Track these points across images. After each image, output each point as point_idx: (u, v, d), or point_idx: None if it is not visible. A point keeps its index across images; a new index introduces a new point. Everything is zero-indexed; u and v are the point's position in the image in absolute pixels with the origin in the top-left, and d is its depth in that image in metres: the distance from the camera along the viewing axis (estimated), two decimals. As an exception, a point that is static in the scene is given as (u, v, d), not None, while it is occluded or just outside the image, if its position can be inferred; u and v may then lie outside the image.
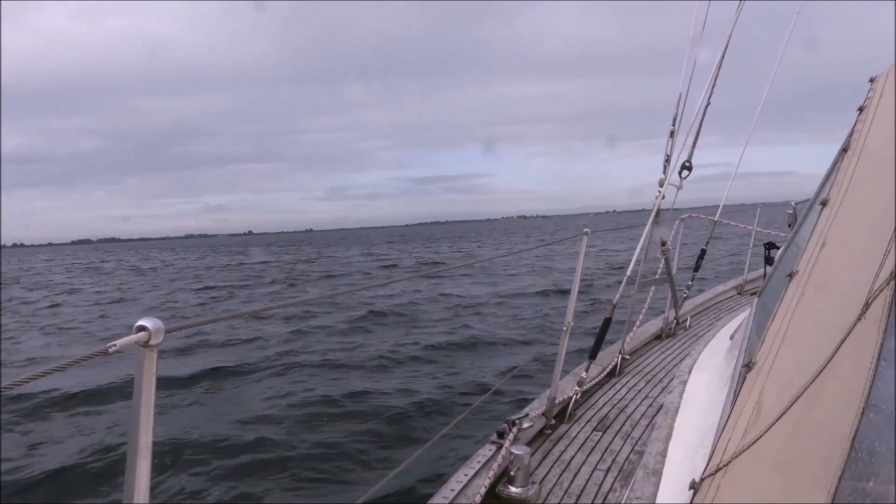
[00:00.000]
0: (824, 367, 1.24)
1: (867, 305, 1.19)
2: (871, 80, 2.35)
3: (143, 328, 1.25)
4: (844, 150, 2.16)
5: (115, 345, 1.21)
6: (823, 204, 1.99)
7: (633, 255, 4.61)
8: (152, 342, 1.26)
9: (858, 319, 1.20)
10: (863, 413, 1.08)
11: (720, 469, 1.44)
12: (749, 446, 1.39)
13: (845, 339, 1.21)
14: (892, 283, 1.16)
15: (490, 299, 17.70)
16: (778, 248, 5.77)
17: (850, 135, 2.19)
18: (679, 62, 4.89)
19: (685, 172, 5.17)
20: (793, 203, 4.32)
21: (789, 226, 4.12)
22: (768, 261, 6.14)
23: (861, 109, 2.25)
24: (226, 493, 5.68)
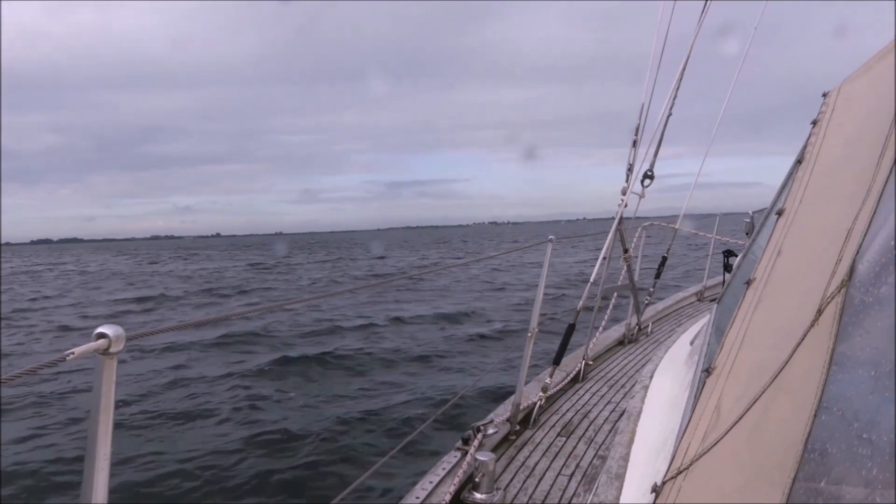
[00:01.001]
0: (780, 372, 1.29)
1: (820, 311, 1.23)
2: (825, 95, 2.44)
3: (103, 335, 1.21)
4: (799, 161, 2.23)
5: (73, 352, 1.17)
6: (779, 213, 2.05)
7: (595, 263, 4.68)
8: (112, 350, 1.22)
9: (812, 325, 1.25)
10: (815, 415, 1.12)
11: (681, 472, 1.47)
12: (709, 449, 1.42)
13: (799, 344, 1.26)
14: (844, 290, 1.20)
15: (387, 323, 15.11)
16: (736, 255, 5.92)
17: (805, 147, 2.26)
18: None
19: (647, 181, 5.27)
20: (750, 212, 4.44)
21: (747, 234, 4.23)
22: (727, 268, 6.28)
23: (815, 123, 2.33)
24: None
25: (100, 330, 1.23)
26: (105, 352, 1.22)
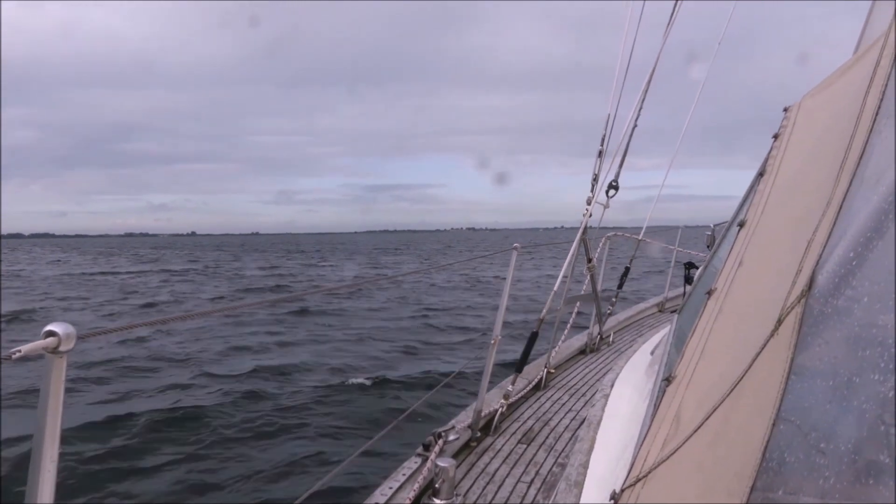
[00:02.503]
0: (739, 381, 1.29)
1: (780, 322, 1.24)
2: (786, 110, 2.48)
3: (52, 333, 1.17)
4: (761, 174, 2.27)
5: (19, 350, 1.12)
6: (741, 225, 2.07)
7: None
8: (62, 348, 1.18)
9: (772, 335, 1.25)
10: (774, 425, 1.12)
11: (640, 479, 1.47)
12: (668, 457, 1.43)
13: (759, 353, 1.26)
14: (804, 300, 1.22)
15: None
16: (697, 267, 6.01)
17: (766, 160, 2.30)
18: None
19: (612, 192, 5.33)
20: (711, 225, 4.51)
21: (708, 246, 4.30)
22: (688, 280, 6.38)
23: (776, 137, 2.37)
24: None
25: (49, 328, 1.18)
26: (54, 350, 1.18)
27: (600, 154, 5.04)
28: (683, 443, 1.40)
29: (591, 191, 5.00)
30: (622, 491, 1.50)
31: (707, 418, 1.36)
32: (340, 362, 11.16)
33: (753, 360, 1.27)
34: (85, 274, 40.85)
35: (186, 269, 45.32)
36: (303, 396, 8.85)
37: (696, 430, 1.38)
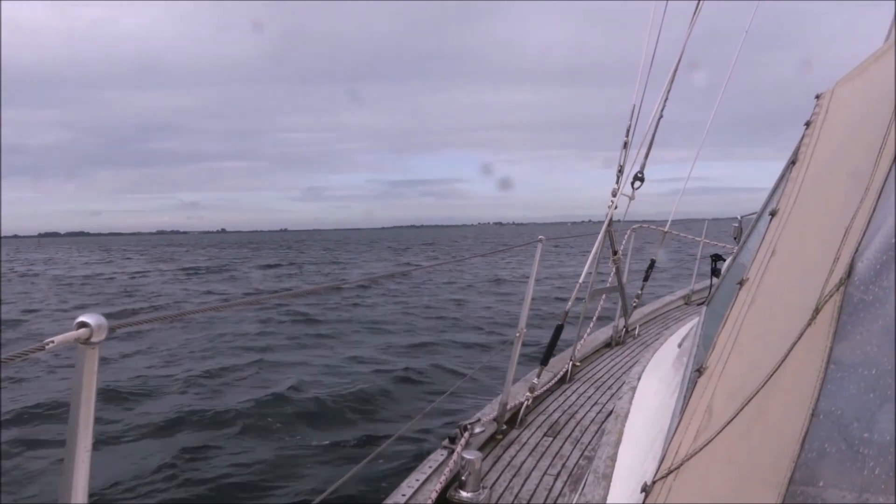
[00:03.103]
0: (775, 371, 1.27)
1: (817, 310, 1.22)
2: (818, 97, 2.43)
3: (84, 324, 1.17)
4: (793, 162, 2.22)
5: (52, 341, 1.13)
6: (773, 214, 2.04)
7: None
8: (94, 339, 1.18)
9: (808, 324, 1.23)
10: (812, 416, 1.10)
11: (672, 471, 1.45)
12: (700, 449, 1.40)
13: (795, 343, 1.24)
14: (843, 288, 1.19)
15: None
16: (724, 260, 5.94)
17: (798, 148, 2.26)
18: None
19: (637, 184, 5.28)
20: (738, 217, 4.45)
21: (735, 238, 4.24)
22: (714, 272, 6.31)
23: (808, 124, 2.32)
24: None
25: (81, 319, 1.19)
26: (86, 341, 1.19)
27: (625, 145, 4.99)
28: (716, 435, 1.38)
29: (617, 182, 4.96)
30: (653, 483, 1.48)
31: (740, 410, 1.33)
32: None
33: (789, 351, 1.25)
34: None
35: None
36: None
37: (728, 422, 1.36)
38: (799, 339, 1.24)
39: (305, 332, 14.31)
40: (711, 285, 6.08)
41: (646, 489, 1.50)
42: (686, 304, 8.65)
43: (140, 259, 58.90)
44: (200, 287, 27.73)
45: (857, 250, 1.21)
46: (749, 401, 1.31)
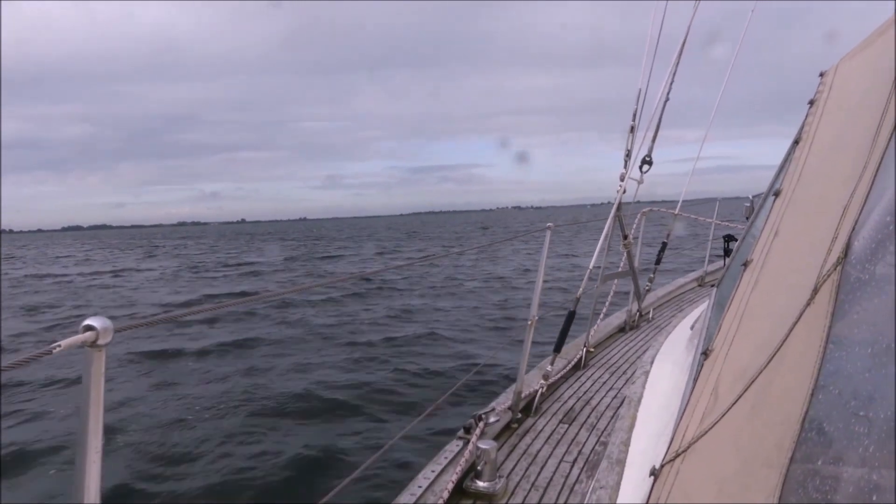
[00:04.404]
0: (776, 352, 1.27)
1: (816, 291, 1.22)
2: (821, 75, 2.42)
3: (90, 328, 1.20)
4: (796, 141, 2.21)
5: (59, 345, 1.16)
6: (776, 195, 2.03)
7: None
8: (100, 342, 1.21)
9: (808, 305, 1.23)
10: (812, 394, 1.11)
11: (679, 455, 1.46)
12: (706, 431, 1.42)
13: (795, 323, 1.24)
14: (840, 267, 1.19)
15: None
16: (736, 239, 5.90)
17: (802, 127, 2.25)
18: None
19: (646, 167, 5.26)
20: (750, 196, 4.42)
21: (746, 218, 4.21)
22: (727, 252, 6.27)
23: (811, 103, 2.31)
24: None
25: (87, 322, 1.21)
26: (93, 344, 1.21)
27: (632, 129, 4.98)
28: (721, 417, 1.39)
29: (625, 167, 4.95)
30: (662, 467, 1.49)
31: (745, 390, 1.34)
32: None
33: (790, 331, 1.25)
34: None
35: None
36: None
37: (733, 403, 1.37)
38: (799, 319, 1.24)
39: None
40: (724, 266, 6.05)
41: (654, 473, 1.52)
42: (700, 285, 8.61)
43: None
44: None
45: (854, 228, 1.21)
46: (752, 382, 1.32)
